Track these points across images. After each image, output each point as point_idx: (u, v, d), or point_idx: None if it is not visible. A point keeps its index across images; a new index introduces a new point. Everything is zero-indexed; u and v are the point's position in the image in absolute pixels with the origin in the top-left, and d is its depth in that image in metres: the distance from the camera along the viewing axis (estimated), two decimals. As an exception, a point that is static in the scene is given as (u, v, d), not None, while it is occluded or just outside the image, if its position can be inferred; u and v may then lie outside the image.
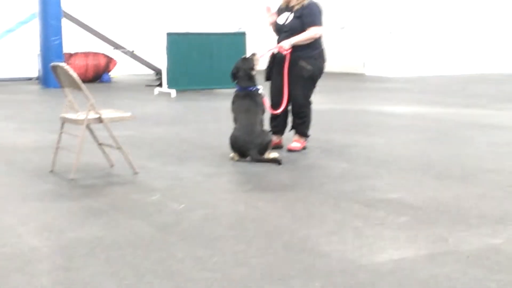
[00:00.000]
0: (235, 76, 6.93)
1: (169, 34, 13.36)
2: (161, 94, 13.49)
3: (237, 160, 6.66)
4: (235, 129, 6.76)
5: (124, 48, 17.06)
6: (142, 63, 17.18)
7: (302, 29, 7.03)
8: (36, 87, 15.31)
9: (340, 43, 19.66)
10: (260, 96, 6.90)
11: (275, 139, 7.19)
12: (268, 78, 7.32)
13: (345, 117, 10.16)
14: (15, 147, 7.52)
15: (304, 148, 7.25)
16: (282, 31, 7.16)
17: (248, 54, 7.12)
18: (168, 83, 13.43)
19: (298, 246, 4.08)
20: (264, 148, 6.64)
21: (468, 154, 7.11)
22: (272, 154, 6.70)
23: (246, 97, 6.84)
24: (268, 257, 3.87)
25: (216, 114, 10.37)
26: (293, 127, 7.32)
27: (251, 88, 6.86)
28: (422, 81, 16.82)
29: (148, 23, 18.98)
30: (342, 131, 8.58)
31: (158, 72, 16.09)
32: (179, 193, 5.41)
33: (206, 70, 13.56)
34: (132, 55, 17.08)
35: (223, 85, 13.15)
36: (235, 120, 6.83)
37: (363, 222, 4.58)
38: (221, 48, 13.66)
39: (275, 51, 7.12)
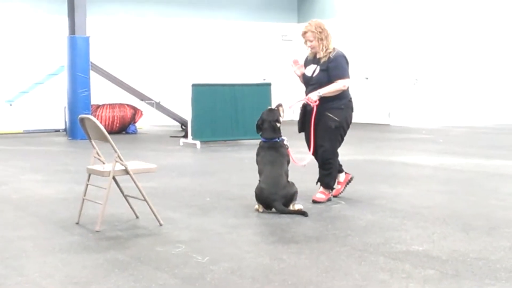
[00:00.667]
0: (260, 127, 6.96)
1: (194, 85, 13.48)
2: (186, 145, 13.58)
3: (262, 212, 6.66)
4: (261, 181, 6.77)
5: (150, 100, 17.25)
6: (168, 115, 17.34)
7: (329, 82, 7.10)
8: (63, 138, 15.49)
9: (365, 93, 19.71)
10: (285, 147, 6.93)
11: (340, 179, 7.43)
12: (301, 130, 7.37)
13: (369, 167, 10.13)
14: (42, 198, 7.58)
15: (329, 199, 7.23)
16: (310, 83, 7.23)
17: (274, 105, 7.17)
18: (193, 134, 13.51)
19: (323, 299, 4.05)
20: (289, 199, 6.63)
21: (493, 205, 7.05)
22: (297, 206, 6.70)
23: (271, 148, 6.86)
24: (293, 311, 3.85)
25: (240, 165, 10.40)
26: (319, 179, 7.32)
27: (276, 139, 6.89)
28: (446, 132, 16.77)
29: (174, 74, 19.21)
30: (367, 182, 8.55)
31: (183, 123, 16.21)
32: (203, 245, 5.41)
33: (231, 121, 13.64)
34: (158, 106, 17.26)
35: (248, 136, 13.21)
36: (260, 172, 6.84)
37: (389, 275, 4.54)
38: (246, 99, 13.73)
39: (304, 102, 7.18)
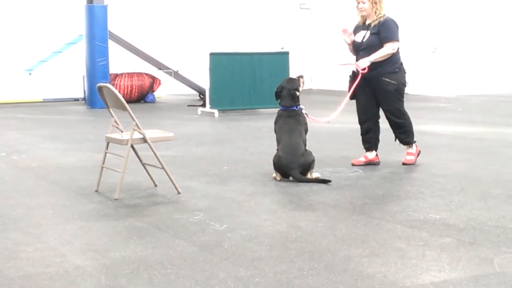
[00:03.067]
0: (278, 95, 6.97)
1: (212, 54, 13.46)
2: (204, 114, 13.60)
3: (280, 180, 6.68)
4: (279, 149, 6.78)
5: (168, 69, 17.25)
6: (186, 83, 17.34)
7: (380, 45, 7.13)
8: (82, 107, 15.56)
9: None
10: (303, 116, 6.92)
11: (368, 156, 7.41)
12: (352, 97, 7.42)
13: (387, 136, 10.07)
14: (61, 166, 7.64)
15: (418, 154, 7.51)
16: (360, 49, 7.27)
17: (295, 76, 7.17)
18: (211, 103, 13.52)
19: (340, 267, 4.08)
20: (307, 168, 6.64)
21: (513, 174, 7.02)
22: (314, 174, 6.71)
23: (289, 117, 6.86)
24: (310, 278, 3.88)
25: (258, 133, 10.41)
26: (399, 140, 7.56)
27: (294, 107, 6.89)
28: (465, 100, 16.66)
29: (192, 43, 19.15)
30: (384, 151, 8.52)
31: (201, 92, 16.22)
32: (221, 213, 5.44)
33: (249, 90, 13.62)
34: (176, 75, 17.26)
35: (265, 105, 13.19)
36: (278, 140, 6.84)
37: (406, 243, 4.55)
38: (264, 68, 13.71)
39: (354, 68, 7.25)
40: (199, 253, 4.39)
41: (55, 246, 4.58)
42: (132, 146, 6.18)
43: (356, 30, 7.41)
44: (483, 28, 19.13)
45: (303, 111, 6.96)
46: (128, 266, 4.12)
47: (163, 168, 6.14)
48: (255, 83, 13.61)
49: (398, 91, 7.32)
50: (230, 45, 18.62)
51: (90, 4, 15.17)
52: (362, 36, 7.28)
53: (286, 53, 14.07)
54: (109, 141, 6.31)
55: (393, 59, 7.26)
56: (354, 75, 7.34)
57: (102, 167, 6.37)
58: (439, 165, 7.59)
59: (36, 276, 3.95)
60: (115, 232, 4.92)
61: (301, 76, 7.09)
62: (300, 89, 6.96)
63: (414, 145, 7.54)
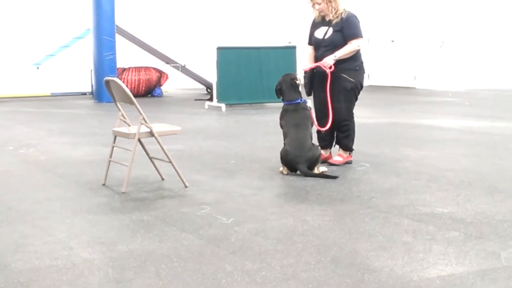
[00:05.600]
0: (279, 92, 6.98)
1: (219, 48, 13.46)
2: (211, 108, 13.60)
3: (287, 174, 6.69)
4: (286, 143, 6.78)
5: (176, 63, 17.25)
6: (193, 78, 17.34)
7: (343, 42, 7.03)
8: (89, 101, 15.59)
9: (391, 56, 19.56)
10: (308, 109, 6.93)
11: (323, 153, 7.18)
12: (309, 93, 7.32)
13: (395, 131, 10.10)
14: (69, 160, 7.67)
15: (349, 162, 7.21)
16: (322, 46, 7.15)
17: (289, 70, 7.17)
18: (218, 97, 13.53)
19: (347, 260, 4.08)
20: (314, 162, 6.65)
21: (521, 168, 7.01)
22: (321, 168, 6.72)
23: (295, 111, 6.86)
24: (316, 272, 3.88)
25: (265, 128, 10.42)
26: (337, 142, 7.30)
27: (298, 100, 6.89)
28: (472, 94, 16.62)
29: (199, 37, 19.15)
30: (392, 145, 8.53)
31: (209, 87, 16.22)
32: (228, 207, 5.45)
33: (256, 84, 13.62)
34: (183, 69, 17.26)
35: (273, 99, 13.02)
36: (285, 135, 6.84)
37: (412, 237, 4.55)
38: (271, 62, 13.70)
39: (320, 66, 7.07)
40: (206, 246, 4.41)
41: (62, 239, 4.60)
42: (139, 140, 6.20)
43: (316, 26, 7.25)
44: (490, 22, 19.06)
45: (308, 104, 6.96)
46: (135, 259, 4.13)
47: (170, 162, 6.15)
48: (262, 77, 13.61)
49: (354, 91, 7.15)
50: (238, 39, 18.60)
51: (97, -2, 15.18)
52: (323, 32, 7.13)
53: (293, 48, 14.05)
54: (116, 135, 6.32)
55: (355, 56, 7.12)
56: (312, 71, 7.17)
57: (110, 161, 6.38)
58: (446, 159, 7.58)
59: (43, 269, 3.96)
60: (122, 226, 4.93)
61: (295, 74, 7.13)
62: (299, 82, 6.96)
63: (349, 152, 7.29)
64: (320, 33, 7.17)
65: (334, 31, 7.06)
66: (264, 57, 13.74)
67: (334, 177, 6.49)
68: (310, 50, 7.35)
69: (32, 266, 4.03)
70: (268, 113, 12.54)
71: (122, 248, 4.36)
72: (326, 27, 7.12)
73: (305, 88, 7.21)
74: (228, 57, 13.50)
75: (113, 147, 6.41)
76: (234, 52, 13.76)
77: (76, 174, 6.88)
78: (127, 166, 6.04)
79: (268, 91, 13.36)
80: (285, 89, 6.93)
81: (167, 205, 5.58)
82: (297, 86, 6.92)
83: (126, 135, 6.15)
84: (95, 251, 4.31)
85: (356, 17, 7.14)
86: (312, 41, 7.27)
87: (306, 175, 6.55)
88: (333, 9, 7.04)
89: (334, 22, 7.07)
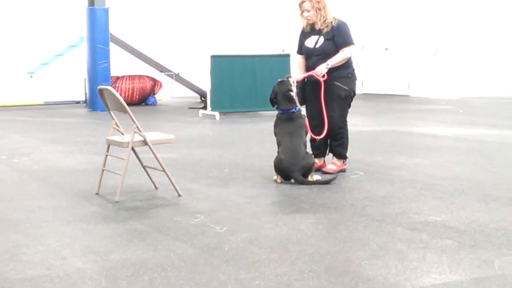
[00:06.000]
0: (273, 101, 6.97)
1: (213, 57, 13.46)
2: (205, 116, 13.60)
3: (281, 183, 6.68)
4: (280, 152, 6.77)
5: (170, 71, 17.25)
6: (187, 86, 17.34)
7: (335, 50, 7.03)
8: (83, 110, 15.57)
9: (385, 64, 19.59)
10: (302, 117, 6.93)
11: (317, 162, 7.18)
12: (302, 102, 7.32)
13: (389, 139, 10.10)
14: (62, 169, 7.65)
15: (343, 170, 7.21)
16: (314, 54, 7.14)
17: (283, 78, 7.11)
18: (212, 106, 13.52)
19: (341, 269, 4.08)
20: (308, 170, 6.64)
21: (514, 176, 7.02)
22: (315, 177, 6.72)
23: (289, 119, 6.85)
24: (310, 281, 3.88)
25: (259, 136, 10.41)
26: (330, 150, 7.30)
27: (292, 110, 6.89)
28: (466, 102, 16.66)
29: (193, 45, 19.16)
30: (386, 153, 8.54)
31: (203, 95, 16.22)
32: (222, 216, 5.44)
33: (250, 92, 13.62)
34: (177, 77, 17.26)
35: (267, 107, 13.01)
36: (279, 143, 6.84)
37: (406, 246, 4.55)
38: (265, 70, 13.70)
39: (313, 75, 7.06)
40: (199, 255, 4.39)
41: (55, 248, 4.58)
42: (133, 149, 6.19)
43: (306, 35, 7.24)
44: (484, 30, 19.12)
45: (302, 112, 6.96)
46: (128, 268, 4.12)
47: (163, 170, 6.14)
48: (256, 86, 13.61)
49: (348, 98, 7.15)
50: (231, 47, 18.62)
51: (91, 7, 15.18)
52: (314, 41, 7.12)
53: (287, 56, 14.05)
54: (110, 143, 6.31)
55: (348, 63, 7.13)
56: (304, 80, 7.17)
57: (103, 170, 6.37)
58: (440, 167, 7.59)
59: (36, 279, 3.95)
60: (115, 235, 4.92)
61: (289, 76, 7.09)
62: (293, 89, 6.95)
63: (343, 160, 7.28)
64: (310, 42, 7.17)
65: (325, 39, 7.06)
66: (258, 65, 13.75)
67: (328, 182, 6.48)
68: (300, 59, 7.36)
69: (25, 276, 4.01)
70: (262, 121, 12.53)
71: (115, 257, 4.34)
72: (317, 36, 7.12)
73: (297, 98, 7.20)
74: (222, 65, 13.50)
75: (106, 155, 6.40)
76: (228, 60, 13.76)
77: (69, 183, 6.86)
78: (120, 175, 6.03)
79: (262, 99, 13.35)
80: (280, 99, 6.92)
81: (160, 214, 5.57)
82: (292, 97, 6.89)
83: (120, 144, 6.14)
84: (88, 261, 4.29)
85: (346, 24, 7.15)
86: (303, 50, 7.27)
87: (301, 183, 6.54)
88: (322, 17, 7.04)
89: (324, 30, 7.07)
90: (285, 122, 6.85)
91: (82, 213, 5.58)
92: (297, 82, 7.14)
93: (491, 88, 19.07)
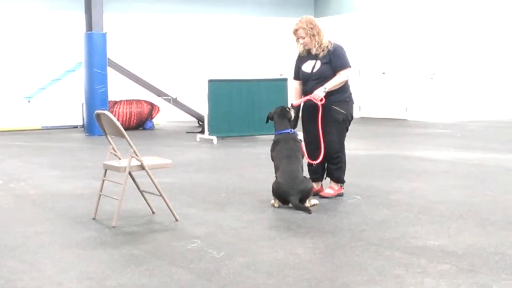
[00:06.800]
0: (269, 118, 7.04)
1: (210, 81, 13.50)
2: (202, 141, 13.60)
3: (278, 207, 6.66)
4: (278, 176, 6.76)
5: (167, 95, 17.29)
6: (185, 110, 17.38)
7: (332, 74, 7.06)
8: (81, 134, 15.57)
9: (383, 88, 19.65)
10: (298, 141, 6.94)
11: (315, 186, 7.17)
12: (297, 126, 7.32)
13: (386, 162, 10.10)
14: (59, 194, 7.63)
15: (340, 194, 7.20)
16: (311, 79, 7.16)
17: (281, 104, 7.22)
18: (209, 130, 13.53)
19: (338, 294, 4.06)
20: (306, 195, 6.62)
21: (510, 199, 7.01)
22: (313, 201, 6.70)
23: (285, 142, 6.87)
24: (307, 306, 3.85)
25: (257, 160, 10.41)
26: (328, 174, 7.29)
27: (288, 130, 6.91)
28: (463, 126, 16.69)
29: (190, 70, 19.23)
30: (383, 177, 8.53)
31: (200, 119, 16.24)
32: (219, 240, 5.42)
33: (248, 116, 13.64)
34: (175, 102, 17.30)
35: (264, 131, 13.18)
36: (277, 167, 6.83)
37: (404, 270, 4.53)
38: (263, 95, 13.72)
39: (310, 100, 7.07)
40: (196, 281, 4.37)
41: (51, 274, 4.55)
42: (130, 173, 6.17)
43: (302, 60, 7.26)
44: (480, 54, 19.21)
45: (298, 137, 6.98)
46: (124, 294, 4.09)
47: (161, 195, 6.13)
48: (253, 110, 13.63)
49: (345, 122, 7.16)
50: (229, 72, 18.69)
51: (89, 32, 15.24)
52: (311, 66, 7.14)
53: (285, 80, 14.10)
54: (107, 168, 6.30)
55: (345, 87, 7.15)
56: (299, 106, 7.19)
57: (100, 195, 6.36)
58: (437, 191, 7.58)
59: (32, 305, 3.92)
60: (112, 260, 4.90)
61: (290, 107, 7.16)
62: (292, 113, 7.00)
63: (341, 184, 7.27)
64: (307, 67, 7.19)
65: (322, 63, 7.09)
66: (255, 90, 13.78)
67: (307, 210, 6.43)
68: (297, 85, 7.38)
69: (20, 302, 3.98)
70: (259, 145, 12.54)
71: (111, 283, 4.32)
72: (314, 61, 7.15)
73: (295, 122, 7.22)
74: (220, 90, 13.53)
75: (103, 180, 6.39)
76: (226, 84, 13.80)
77: (66, 208, 6.85)
78: (117, 199, 6.01)
79: (259, 124, 13.36)
80: (276, 119, 6.98)
81: (157, 239, 5.55)
82: (289, 116, 6.96)
83: (117, 169, 6.13)
84: (84, 286, 4.27)
85: (342, 48, 7.18)
86: (300, 75, 7.29)
87: (297, 207, 6.52)
88: (316, 43, 7.07)
89: (321, 55, 7.10)
90: (282, 145, 6.86)
91: (78, 238, 5.56)
92: (295, 106, 7.17)
93: (488, 112, 19.12)
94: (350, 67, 7.14)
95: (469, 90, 19.09)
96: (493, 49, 19.38)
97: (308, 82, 7.17)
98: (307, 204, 6.60)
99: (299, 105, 7.23)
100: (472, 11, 19.05)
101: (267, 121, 7.15)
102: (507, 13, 19.50)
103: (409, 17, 18.89)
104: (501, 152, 11.12)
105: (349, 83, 7.25)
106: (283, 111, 7.03)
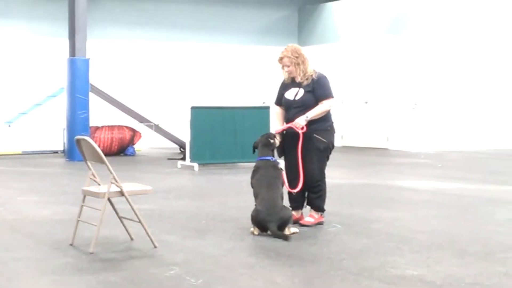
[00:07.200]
0: (255, 148, 7.07)
1: (193, 108, 13.50)
2: (184, 167, 13.56)
3: (258, 235, 6.64)
4: (257, 203, 6.75)
5: (149, 122, 17.27)
6: (166, 137, 17.35)
7: (314, 103, 7.08)
8: (61, 160, 15.48)
9: (364, 117, 19.74)
10: (279, 169, 6.94)
11: (295, 214, 7.15)
12: (281, 154, 7.34)
13: (367, 192, 10.11)
14: (38, 219, 7.56)
15: (321, 223, 7.18)
16: (293, 107, 7.18)
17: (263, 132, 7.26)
18: (191, 157, 13.49)
19: (316, 323, 4.03)
20: (285, 222, 6.60)
21: (490, 230, 7.03)
22: (293, 229, 6.69)
23: (265, 168, 6.87)
24: (285, 335, 3.82)
25: (238, 188, 10.39)
26: (308, 202, 7.28)
27: (270, 157, 6.92)
28: (444, 156, 16.77)
29: (173, 97, 19.24)
30: (363, 206, 8.53)
31: (182, 146, 16.22)
32: (197, 268, 5.39)
33: (230, 144, 13.63)
34: (157, 128, 17.27)
35: (246, 159, 13.16)
36: (256, 195, 6.82)
37: (383, 300, 4.51)
38: (245, 122, 13.73)
39: (292, 127, 7.09)
40: (173, 308, 4.33)
41: (26, 300, 4.49)
42: (109, 199, 6.13)
43: (286, 87, 7.29)
44: (462, 85, 19.37)
45: (279, 165, 6.98)
46: (100, 321, 4.04)
47: (140, 221, 6.09)
48: (235, 137, 13.62)
49: (326, 151, 7.16)
50: (212, 99, 18.72)
51: (72, 57, 15.23)
52: (294, 93, 7.16)
53: (267, 108, 14.12)
54: (86, 194, 6.26)
55: (327, 116, 7.17)
56: (283, 132, 7.21)
57: (78, 220, 6.31)
58: (418, 220, 7.59)
59: (5, 332, 3.86)
60: (89, 287, 4.84)
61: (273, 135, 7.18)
62: (276, 141, 7.02)
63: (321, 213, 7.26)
64: (290, 94, 7.21)
65: (305, 92, 7.11)
66: (238, 117, 13.79)
67: (287, 239, 6.41)
68: (278, 109, 7.40)
69: (-6, 328, 3.92)
70: (240, 172, 12.52)
71: (87, 310, 4.27)
72: (297, 88, 7.17)
73: (277, 150, 7.22)
74: (202, 117, 13.53)
75: (82, 206, 6.34)
76: (208, 111, 13.81)
77: (44, 233, 6.78)
78: (95, 225, 5.96)
79: (241, 151, 13.39)
80: (259, 147, 7.02)
81: (135, 265, 5.51)
82: (271, 144, 6.98)
83: (96, 194, 6.09)
84: (60, 313, 4.21)
85: (326, 77, 7.22)
86: (282, 102, 7.31)
87: (275, 235, 6.48)
88: (301, 72, 7.11)
89: (304, 83, 7.13)
90: (262, 172, 6.86)
91: (55, 264, 5.50)
92: (276, 133, 7.18)
93: (469, 142, 19.24)
94: (333, 97, 7.17)
95: (450, 120, 19.21)
96: (475, 81, 19.55)
97: (290, 110, 7.19)
98: (287, 232, 6.58)
99: (282, 132, 7.24)
100: (453, 42, 19.24)
101: (253, 151, 7.14)
102: (487, 45, 19.71)
103: (391, 47, 19.05)
104: (482, 182, 11.18)
105: (332, 112, 7.27)
106: (267, 139, 7.05)
